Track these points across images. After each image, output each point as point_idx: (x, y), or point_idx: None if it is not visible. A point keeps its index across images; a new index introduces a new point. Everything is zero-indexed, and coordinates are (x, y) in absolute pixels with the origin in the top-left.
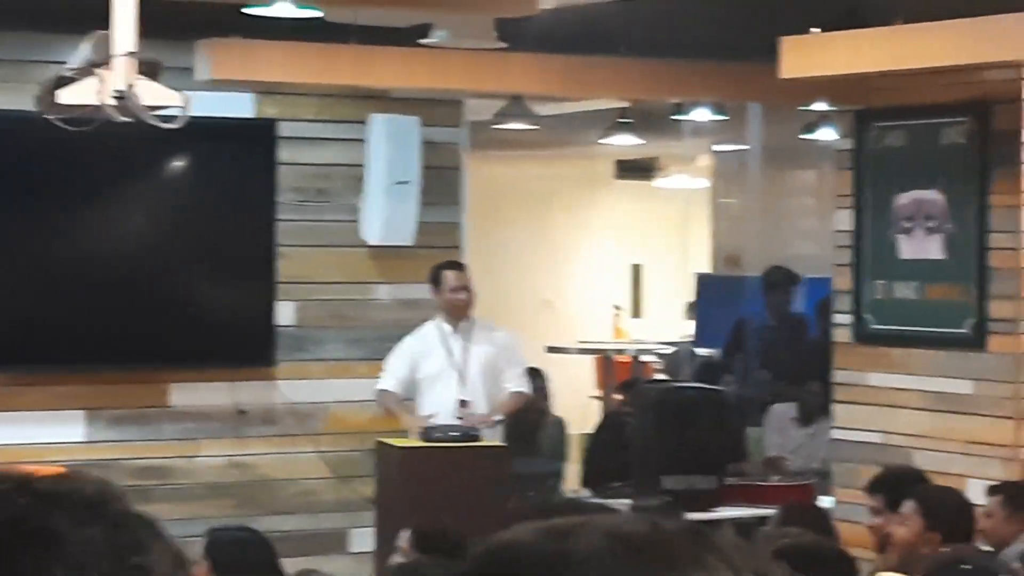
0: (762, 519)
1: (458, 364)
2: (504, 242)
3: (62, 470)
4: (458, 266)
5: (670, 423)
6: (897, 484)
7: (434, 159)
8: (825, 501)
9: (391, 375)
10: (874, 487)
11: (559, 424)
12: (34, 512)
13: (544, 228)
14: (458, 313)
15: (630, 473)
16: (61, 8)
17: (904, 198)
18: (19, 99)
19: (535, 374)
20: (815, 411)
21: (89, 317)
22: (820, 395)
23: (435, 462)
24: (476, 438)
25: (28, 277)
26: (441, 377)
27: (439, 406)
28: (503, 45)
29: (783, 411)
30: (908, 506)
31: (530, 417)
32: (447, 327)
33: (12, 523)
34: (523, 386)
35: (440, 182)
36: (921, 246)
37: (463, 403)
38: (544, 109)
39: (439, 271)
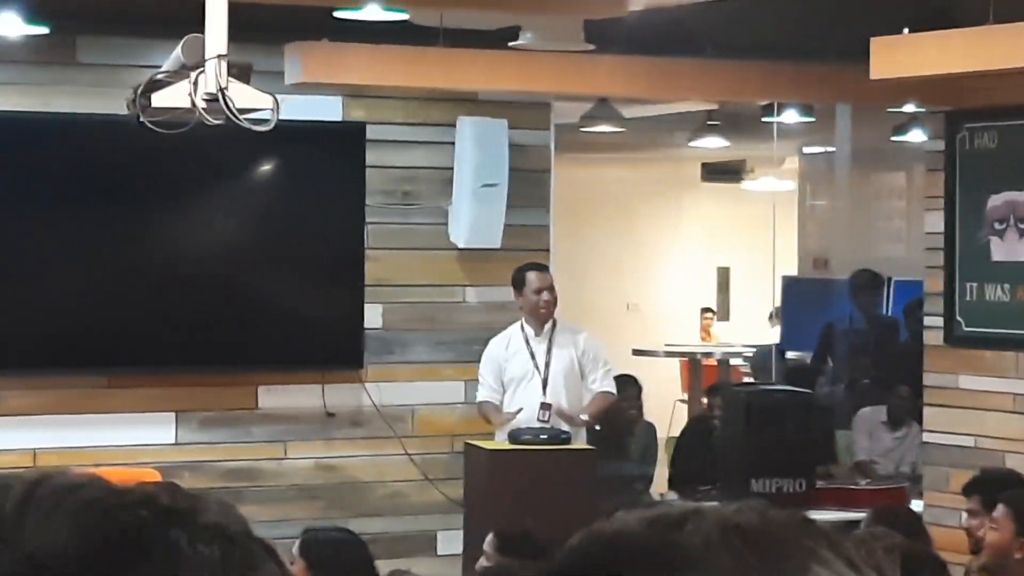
0: (852, 523)
1: (541, 367)
2: (591, 245)
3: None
4: (541, 268)
5: (758, 426)
6: (994, 486)
7: (522, 162)
8: (915, 505)
9: (486, 386)
10: (970, 489)
11: (649, 428)
12: (154, 526)
13: (631, 231)
14: (541, 316)
15: (717, 476)
16: (153, 13)
17: (996, 200)
18: (112, 103)
19: (629, 381)
20: (905, 415)
21: (179, 319)
22: (910, 398)
23: (523, 464)
24: (565, 441)
25: (119, 279)
26: (524, 380)
27: (523, 408)
28: (591, 47)
29: (872, 415)
30: (1000, 510)
31: (620, 423)
32: (530, 330)
33: (132, 534)
34: (609, 387)
35: (528, 185)
36: (1013, 248)
37: (545, 406)
38: (631, 111)
39: (522, 273)
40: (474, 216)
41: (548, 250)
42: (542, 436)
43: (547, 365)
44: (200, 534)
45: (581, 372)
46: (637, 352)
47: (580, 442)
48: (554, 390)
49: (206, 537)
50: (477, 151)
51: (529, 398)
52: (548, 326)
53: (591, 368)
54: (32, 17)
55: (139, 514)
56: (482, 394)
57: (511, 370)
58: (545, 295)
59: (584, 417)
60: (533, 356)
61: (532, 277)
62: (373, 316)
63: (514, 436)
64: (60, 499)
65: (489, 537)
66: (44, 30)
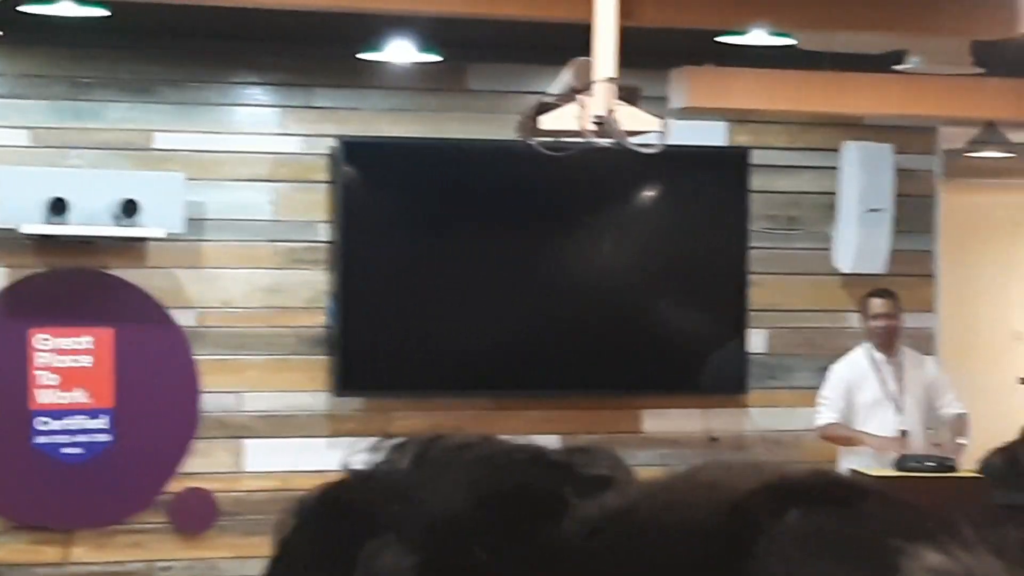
0: None
1: (893, 393)
2: (977, 272)
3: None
4: (884, 294)
5: None
6: None
7: (907, 187)
8: None
9: (832, 407)
10: None
11: None
12: (542, 480)
13: (1018, 259)
14: (881, 341)
15: None
16: (540, 40)
17: None
18: (501, 129)
19: None
20: None
21: (564, 343)
22: None
23: (911, 493)
24: (953, 468)
25: (508, 302)
26: (877, 406)
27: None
28: (979, 70)
29: None
30: None
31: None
32: (878, 355)
33: (522, 490)
34: (962, 408)
35: (913, 210)
36: None
37: (903, 433)
38: (1020, 136)
39: (864, 299)
40: (859, 241)
41: (932, 276)
42: (928, 464)
43: (900, 391)
44: (589, 489)
45: (932, 398)
46: None
47: (965, 467)
48: (909, 416)
49: (594, 491)
50: (863, 175)
51: (884, 425)
52: (897, 352)
53: (942, 393)
54: (425, 46)
55: (528, 471)
56: (827, 416)
57: (862, 396)
58: (882, 321)
59: (962, 442)
60: (884, 382)
61: (873, 303)
62: (758, 341)
63: (901, 463)
64: (452, 457)
65: None
66: (436, 58)
